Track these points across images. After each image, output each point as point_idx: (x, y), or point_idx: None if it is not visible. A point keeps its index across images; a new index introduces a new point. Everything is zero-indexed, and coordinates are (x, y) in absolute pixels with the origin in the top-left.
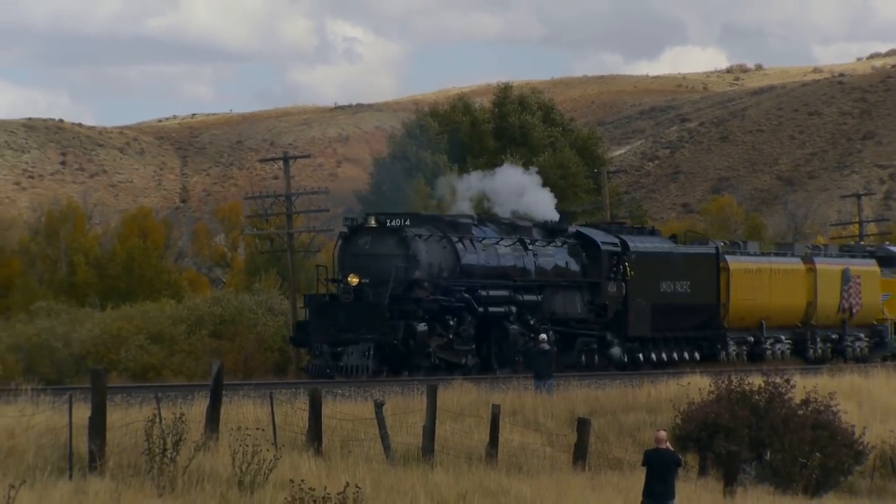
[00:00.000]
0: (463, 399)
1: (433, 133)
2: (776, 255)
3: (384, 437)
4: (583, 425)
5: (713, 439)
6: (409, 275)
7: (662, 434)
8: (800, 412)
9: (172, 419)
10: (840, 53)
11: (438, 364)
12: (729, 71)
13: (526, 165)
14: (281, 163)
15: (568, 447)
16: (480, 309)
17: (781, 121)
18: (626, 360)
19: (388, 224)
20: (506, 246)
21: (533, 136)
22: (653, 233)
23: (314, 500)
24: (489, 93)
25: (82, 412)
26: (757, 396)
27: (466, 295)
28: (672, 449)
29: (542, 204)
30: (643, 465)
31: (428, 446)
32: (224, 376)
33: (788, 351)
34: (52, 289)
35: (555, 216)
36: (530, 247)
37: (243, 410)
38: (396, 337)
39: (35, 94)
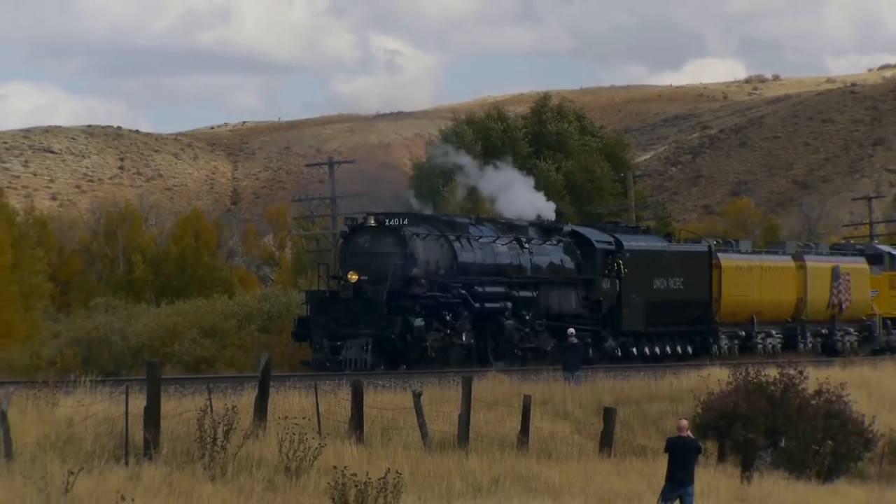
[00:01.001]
0: (496, 389)
1: (468, 139)
2: (767, 253)
3: (422, 425)
4: (609, 414)
5: (731, 427)
6: (406, 272)
7: (684, 422)
8: (813, 402)
9: (223, 409)
10: (852, 64)
11: (436, 357)
12: (747, 81)
13: (557, 170)
14: (326, 167)
15: (595, 435)
16: (477, 305)
17: (797, 128)
18: (619, 353)
19: (387, 223)
20: (502, 244)
21: (569, 143)
22: (647, 232)
23: (356, 486)
24: (522, 102)
25: (138, 402)
26: (773, 387)
27: (463, 291)
28: (693, 436)
29: (537, 203)
30: (665, 451)
31: (463, 434)
32: (271, 369)
33: (779, 345)
34: (111, 286)
35: (551, 216)
36: (526, 245)
37: (290, 401)
38: (394, 332)
39: (94, 102)
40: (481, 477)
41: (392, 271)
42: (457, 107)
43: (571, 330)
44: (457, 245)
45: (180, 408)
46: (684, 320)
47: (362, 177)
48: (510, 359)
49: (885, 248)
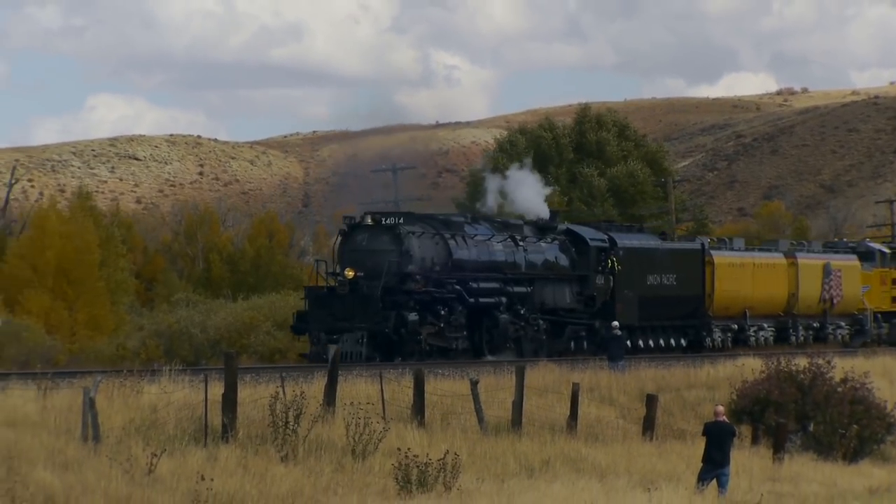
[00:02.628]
0: (546, 378)
1: (521, 147)
2: (760, 250)
3: (478, 410)
4: (651, 400)
5: (764, 413)
6: (401, 268)
7: (720, 408)
8: (839, 389)
9: (294, 396)
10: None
11: (431, 350)
12: (778, 93)
13: (600, 175)
14: (390, 173)
15: (638, 419)
16: (471, 300)
17: (824, 136)
18: None
19: (384, 222)
20: (497, 242)
21: (607, 150)
22: (641, 230)
23: (418, 466)
24: (570, 112)
25: (216, 390)
26: (802, 376)
27: (458, 287)
28: (728, 421)
29: (533, 200)
30: (703, 434)
31: (516, 419)
32: (339, 359)
33: (772, 338)
34: (191, 282)
35: (545, 214)
36: (521, 243)
37: (356, 388)
38: (388, 326)
39: (176, 113)
40: (533, 458)
41: (387, 268)
42: (510, 117)
43: (615, 323)
44: (452, 243)
45: (255, 395)
46: (678, 314)
47: (423, 181)
48: (505, 352)
49: (877, 245)
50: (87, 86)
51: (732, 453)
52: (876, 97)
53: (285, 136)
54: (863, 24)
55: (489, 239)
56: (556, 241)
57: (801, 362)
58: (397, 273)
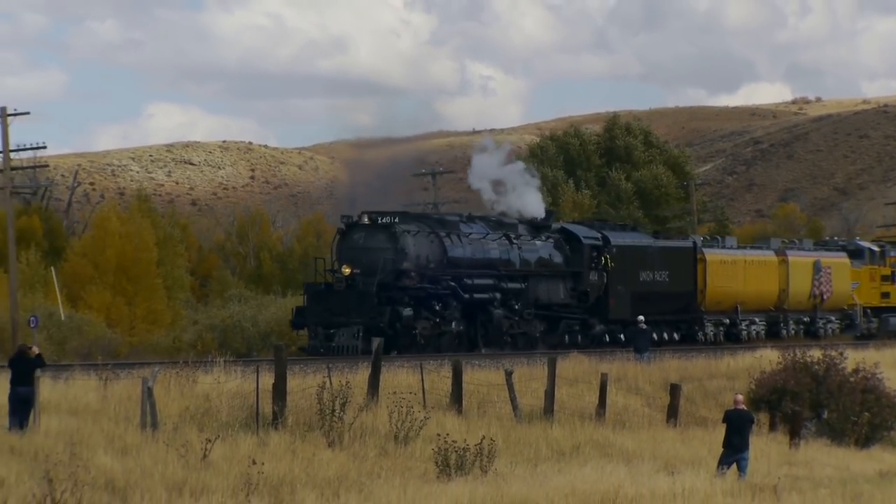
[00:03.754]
0: (577, 368)
1: (550, 153)
2: (752, 248)
3: (513, 399)
4: (675, 390)
5: (781, 401)
6: (397, 265)
7: (740, 397)
8: (851, 379)
9: (340, 385)
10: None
11: (426, 344)
12: (793, 102)
13: (627, 178)
14: (430, 177)
15: (662, 407)
16: (466, 295)
17: (837, 142)
18: (607, 339)
19: (380, 221)
20: (492, 240)
21: (634, 154)
22: (634, 229)
23: (456, 451)
24: (597, 120)
25: (267, 380)
26: (816, 366)
27: (452, 283)
28: (747, 409)
29: (529, 201)
30: (724, 422)
31: (548, 407)
32: (382, 351)
33: (763, 332)
34: (243, 279)
35: (541, 214)
36: (515, 241)
37: (398, 378)
38: (383, 320)
39: (228, 120)
40: (564, 444)
41: (382, 265)
42: (541, 124)
43: (641, 318)
44: (447, 241)
45: (303, 384)
46: (670, 309)
47: (461, 184)
48: (500, 345)
49: (866, 244)
50: (145, 95)
51: (751, 439)
52: (885, 105)
53: (331, 143)
54: (872, 37)
55: (484, 237)
56: (551, 240)
57: (816, 354)
58: (392, 270)
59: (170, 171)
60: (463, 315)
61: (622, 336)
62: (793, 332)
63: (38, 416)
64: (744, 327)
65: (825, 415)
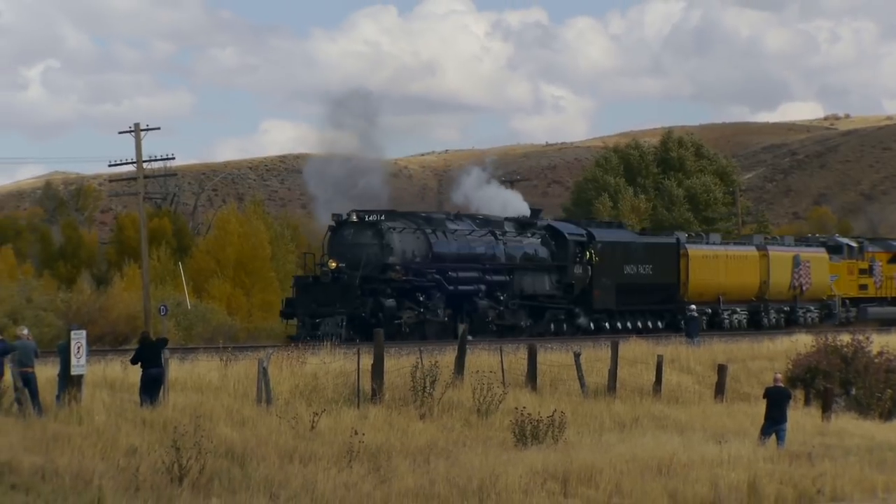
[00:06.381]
0: (636, 351)
1: (613, 163)
2: (735, 244)
3: (580, 377)
4: (722, 369)
5: (814, 379)
6: (382, 259)
7: (779, 375)
8: (876, 360)
9: (430, 365)
10: None
11: (410, 332)
12: (825, 118)
13: (680, 185)
14: (508, 185)
15: (711, 385)
16: (451, 287)
17: (863, 153)
18: (592, 327)
19: (367, 219)
20: (478, 236)
21: (686, 164)
22: (620, 226)
23: (531, 423)
24: (654, 135)
25: (366, 360)
26: (846, 349)
27: (437, 276)
28: (785, 386)
29: (514, 201)
30: (764, 397)
31: (611, 384)
32: (467, 335)
33: (745, 321)
34: None
35: (526, 212)
36: (500, 237)
37: (480, 359)
38: (365, 310)
39: (332, 135)
40: (625, 416)
41: (366, 259)
42: (605, 138)
43: (693, 306)
44: (432, 237)
45: (398, 365)
46: (654, 300)
47: (535, 191)
48: (485, 333)
49: (845, 240)
50: (260, 113)
51: (788, 413)
52: None
53: (422, 155)
54: (894, 61)
55: (470, 234)
56: (537, 236)
57: (845, 338)
58: (378, 264)
59: (283, 179)
60: (448, 306)
61: (606, 324)
62: (774, 320)
63: (168, 393)
64: (726, 316)
65: (853, 391)
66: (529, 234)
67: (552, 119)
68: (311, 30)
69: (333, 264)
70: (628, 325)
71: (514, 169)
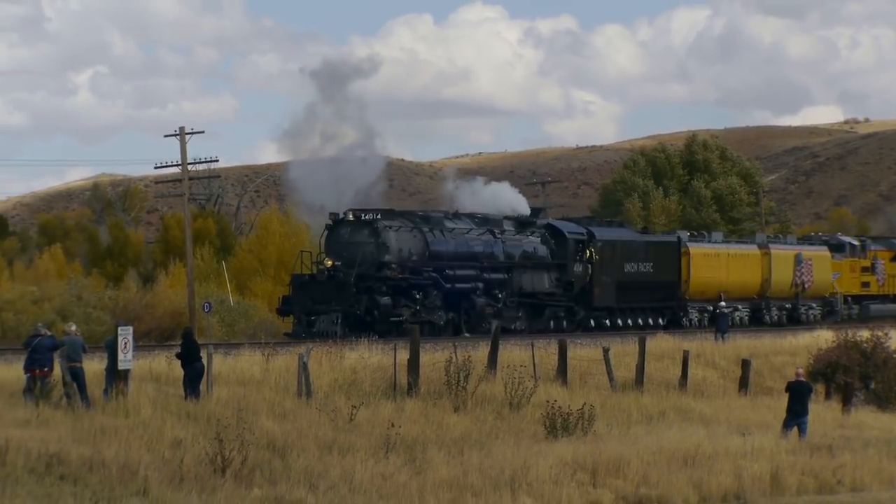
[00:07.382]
0: (663, 346)
1: (641, 166)
2: (737, 242)
3: (609, 372)
4: (745, 364)
5: (835, 374)
6: (378, 258)
7: (800, 370)
8: (895, 355)
9: (464, 360)
10: None
11: (407, 329)
12: (845, 122)
13: (706, 187)
14: (540, 186)
15: (735, 379)
16: (448, 285)
17: (882, 156)
18: (592, 324)
19: (363, 217)
20: (476, 235)
21: (712, 166)
22: (621, 226)
23: (561, 416)
24: (680, 138)
25: (403, 355)
26: (865, 344)
27: (434, 274)
28: (806, 380)
29: (514, 200)
30: (786, 391)
31: (639, 378)
32: (499, 332)
33: (747, 317)
34: None
35: (526, 211)
36: (499, 236)
37: (512, 354)
38: (360, 308)
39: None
40: (652, 409)
41: (361, 257)
42: (633, 142)
43: (723, 303)
44: (430, 236)
45: (433, 359)
46: (654, 298)
47: (566, 192)
48: (482, 330)
49: (847, 238)
50: None
51: (810, 406)
52: None
53: (457, 157)
54: None
55: (468, 232)
56: (537, 234)
57: (865, 334)
58: (373, 262)
59: None
60: (446, 303)
61: (607, 322)
62: (776, 317)
63: (212, 386)
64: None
65: (872, 385)
66: (529, 233)
67: (582, 123)
68: (349, 36)
69: (329, 262)
70: (629, 322)
71: (546, 171)
